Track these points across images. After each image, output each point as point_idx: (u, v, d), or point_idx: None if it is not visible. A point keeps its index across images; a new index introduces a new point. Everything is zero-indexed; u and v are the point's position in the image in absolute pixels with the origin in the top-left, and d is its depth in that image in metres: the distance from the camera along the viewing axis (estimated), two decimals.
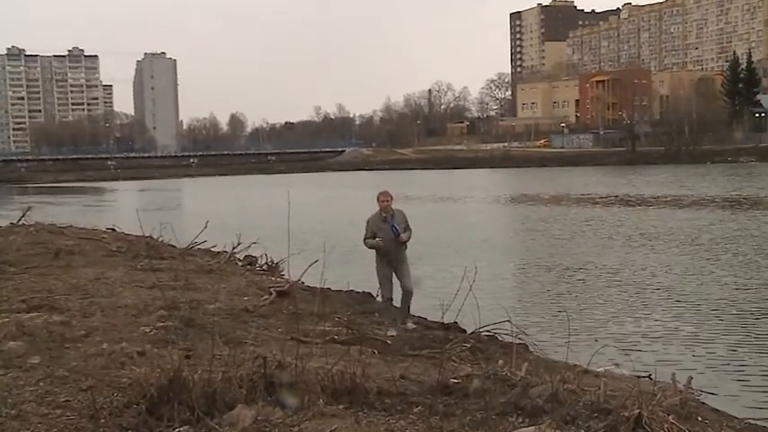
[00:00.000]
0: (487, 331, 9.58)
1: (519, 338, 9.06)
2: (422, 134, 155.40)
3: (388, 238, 9.64)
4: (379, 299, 10.38)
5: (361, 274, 17.19)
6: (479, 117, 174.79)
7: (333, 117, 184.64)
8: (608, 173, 75.99)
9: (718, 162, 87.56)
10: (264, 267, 16.42)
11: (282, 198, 36.47)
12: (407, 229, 9.91)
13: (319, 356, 6.20)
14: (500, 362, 7.78)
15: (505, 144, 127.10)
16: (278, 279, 14.26)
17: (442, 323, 10.36)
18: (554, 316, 12.72)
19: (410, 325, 9.97)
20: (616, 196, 43.67)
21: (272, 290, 11.92)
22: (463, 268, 8.91)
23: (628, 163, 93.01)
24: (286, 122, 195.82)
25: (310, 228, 28.17)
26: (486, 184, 65.65)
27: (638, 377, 7.82)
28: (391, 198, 9.71)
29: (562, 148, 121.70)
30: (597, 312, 13.13)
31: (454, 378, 6.51)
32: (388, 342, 9.10)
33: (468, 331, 9.80)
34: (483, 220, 31.60)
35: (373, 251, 10.01)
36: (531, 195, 47.77)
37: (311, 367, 5.80)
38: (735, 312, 12.78)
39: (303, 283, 13.03)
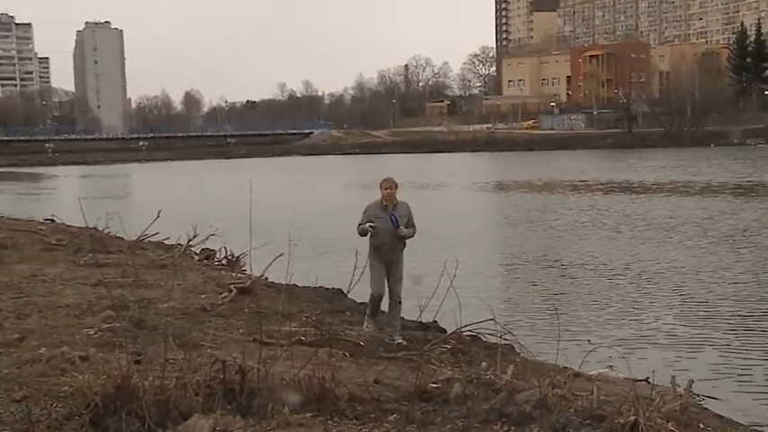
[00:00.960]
0: (470, 331, 9.62)
1: (504, 339, 9.12)
2: (398, 114, 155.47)
3: (385, 229, 9.39)
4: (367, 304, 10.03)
5: (330, 268, 17.20)
6: (461, 96, 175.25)
7: (299, 95, 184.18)
8: (603, 157, 76.65)
9: (722, 145, 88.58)
10: (223, 262, 16.38)
11: (243, 185, 36.31)
12: (411, 225, 9.62)
13: (284, 360, 6.20)
14: (483, 364, 7.84)
15: (490, 125, 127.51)
16: (238, 275, 14.23)
17: (420, 322, 10.39)
18: (543, 314, 12.82)
19: (398, 339, 9.50)
20: (614, 183, 44.04)
21: (231, 287, 11.90)
22: (443, 262, 8.95)
23: (624, 146, 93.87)
24: (247, 101, 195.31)
25: (275, 218, 28.08)
26: (469, 169, 65.87)
27: (635, 381, 7.90)
28: (395, 186, 9.48)
29: (552, 129, 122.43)
30: (591, 310, 13.26)
31: (433, 382, 6.54)
32: (361, 344, 9.15)
33: (449, 331, 9.86)
34: (465, 209, 31.75)
35: (367, 251, 9.78)
36: (519, 182, 48.03)
37: (276, 372, 5.81)
38: (744, 311, 12.91)
39: (267, 278, 13.00)
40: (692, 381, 7.16)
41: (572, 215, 28.21)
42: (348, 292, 12.67)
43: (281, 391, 5.55)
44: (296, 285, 13.07)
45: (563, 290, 15.12)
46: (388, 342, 9.35)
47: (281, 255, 10.16)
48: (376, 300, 9.76)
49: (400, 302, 9.61)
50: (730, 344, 10.98)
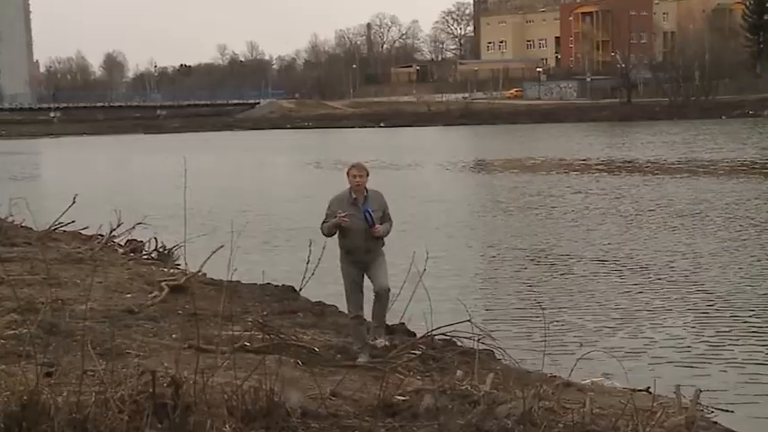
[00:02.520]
0: (443, 334, 9.70)
1: (483, 343, 9.18)
2: (359, 82, 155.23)
3: (358, 229, 8.89)
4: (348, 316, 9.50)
5: (280, 262, 17.20)
6: (432, 60, 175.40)
7: (243, 59, 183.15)
8: (599, 131, 77.07)
9: (736, 117, 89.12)
10: (153, 255, 16.32)
11: (177, 165, 36.13)
12: (387, 219, 9.17)
13: (226, 369, 6.20)
14: (458, 373, 7.90)
15: (466, 95, 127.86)
16: (171, 270, 14.19)
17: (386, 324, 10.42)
18: (528, 315, 12.90)
19: (380, 342, 9.30)
20: (616, 161, 44.16)
21: (163, 284, 11.89)
22: (411, 255, 9.00)
23: (622, 118, 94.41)
24: (181, 66, 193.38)
25: (214, 204, 28.06)
26: (443, 146, 66.00)
27: (634, 391, 8.01)
28: (366, 173, 8.99)
29: (538, 99, 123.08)
30: (584, 310, 13.36)
31: (400, 394, 6.57)
32: (315, 350, 9.20)
33: (418, 334, 9.92)
34: (438, 193, 31.81)
35: (336, 251, 9.36)
36: (501, 161, 48.17)
37: (215, 383, 5.81)
38: (763, 313, 13.02)
39: (205, 274, 12.98)
40: (700, 390, 7.26)
41: (565, 199, 28.36)
42: (300, 289, 12.62)
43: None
44: (239, 282, 13.08)
45: (552, 287, 15.22)
46: (371, 343, 9.17)
47: (221, 246, 10.11)
48: (356, 321, 9.14)
49: (388, 291, 9.09)
50: (746, 350, 11.08)
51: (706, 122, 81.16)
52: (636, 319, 12.66)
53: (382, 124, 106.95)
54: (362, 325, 9.17)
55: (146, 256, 16.29)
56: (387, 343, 9.35)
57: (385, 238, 9.18)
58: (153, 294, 11.43)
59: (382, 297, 9.09)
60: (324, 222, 9.05)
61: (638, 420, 5.39)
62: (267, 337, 8.75)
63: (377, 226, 8.95)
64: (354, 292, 9.10)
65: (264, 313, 10.52)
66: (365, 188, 9.04)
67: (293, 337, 9.51)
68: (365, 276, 9.14)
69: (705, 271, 16.07)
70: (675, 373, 9.92)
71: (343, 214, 8.81)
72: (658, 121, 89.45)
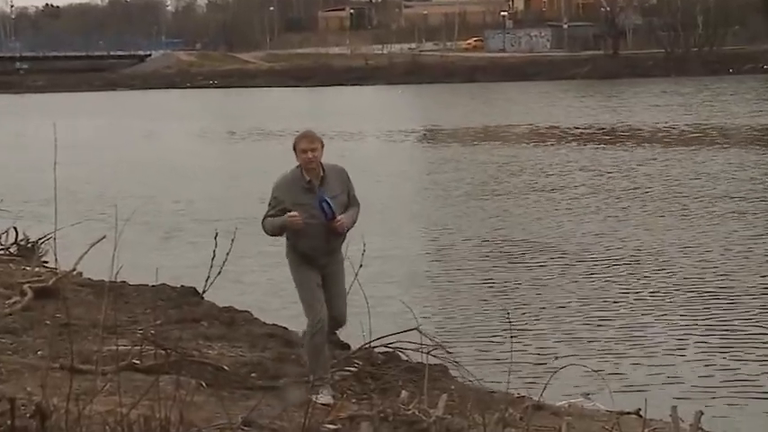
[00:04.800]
0: (384, 346, 9.73)
1: (434, 356, 9.20)
2: (278, 29, 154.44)
3: (316, 224, 8.44)
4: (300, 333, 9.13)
5: (178, 258, 17.15)
6: (371, 1, 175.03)
7: None
8: (580, 90, 76.87)
9: (747, 72, 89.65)
10: (13, 250, 16.11)
11: (45, 135, 35.67)
12: (353, 202, 8.76)
13: (108, 394, 6.17)
14: (404, 394, 7.93)
15: (413, 46, 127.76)
16: (37, 269, 14.01)
17: None
18: (491, 322, 12.94)
19: (323, 397, 8.35)
20: (601, 128, 44.20)
21: (26, 287, 11.73)
22: (344, 247, 8.99)
23: (607, 75, 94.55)
24: (47, 5, 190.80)
25: (94, 185, 27.94)
26: (385, 110, 65.73)
27: (621, 414, 8.13)
28: (321, 145, 8.51)
29: (503, 51, 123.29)
30: (560, 316, 13.42)
31: (330, 422, 6.60)
32: (224, 368, 9.18)
33: (354, 346, 9.94)
34: (380, 170, 31.67)
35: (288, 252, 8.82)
36: (458, 129, 48.08)
37: (94, 412, 5.78)
38: None
39: (81, 274, 12.89)
40: (701, 413, 7.37)
41: (538, 178, 28.31)
42: (204, 291, 12.64)
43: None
44: (126, 283, 13.00)
45: (521, 287, 15.24)
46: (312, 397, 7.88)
47: (103, 238, 10.09)
48: (318, 332, 8.56)
49: (341, 325, 8.89)
50: (758, 365, 11.19)
51: (711, 79, 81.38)
52: (623, 328, 12.72)
53: (308, 83, 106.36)
54: (325, 341, 8.64)
55: (3, 251, 16.08)
56: (331, 397, 8.54)
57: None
58: (12, 300, 11.29)
59: (341, 323, 8.86)
60: (267, 216, 8.57)
61: None
62: (162, 352, 8.70)
63: (339, 218, 8.44)
64: (316, 297, 8.59)
65: (158, 322, 10.51)
66: (321, 165, 8.54)
67: (195, 352, 9.49)
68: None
69: (711, 270, 16.08)
70: (671, 392, 10.07)
71: (294, 214, 8.31)
72: (652, 78, 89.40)
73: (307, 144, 8.43)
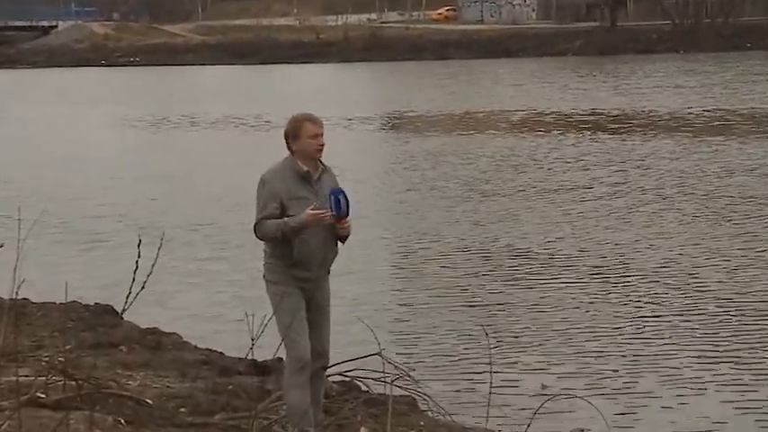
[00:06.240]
0: (341, 374, 9.73)
1: (399, 387, 9.19)
2: None
3: (319, 224, 8.38)
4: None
5: (94, 269, 17.13)
6: None
7: None
8: (574, 69, 76.80)
9: (765, 48, 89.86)
10: None
11: None
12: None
13: None
14: (363, 431, 7.86)
15: (373, 16, 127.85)
16: None
17: (253, 360, 10.48)
18: (465, 344, 13.01)
19: None
20: (603, 114, 44.06)
21: None
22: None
23: (604, 51, 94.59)
24: None
25: None
26: (340, 92, 65.57)
27: None
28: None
29: (480, 23, 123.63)
30: (547, 337, 13.46)
31: None
32: (148, 401, 9.18)
33: None
34: (338, 163, 31.53)
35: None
36: (427, 116, 47.98)
37: None
38: None
39: None
40: None
41: (525, 174, 28.18)
42: (124, 310, 12.60)
43: None
44: (28, 301, 12.98)
45: (502, 303, 15.24)
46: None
47: (0, 246, 10.02)
48: (299, 372, 8.46)
49: (325, 368, 8.78)
50: None
51: (728, 56, 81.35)
52: (624, 353, 12.77)
53: (249, 60, 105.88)
54: (303, 388, 8.43)
55: None
56: None
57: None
58: None
59: (317, 377, 8.65)
60: (263, 218, 8.38)
61: None
62: (72, 383, 8.65)
63: (347, 219, 8.47)
64: (302, 330, 8.41)
65: (68, 347, 10.46)
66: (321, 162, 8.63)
67: (112, 383, 9.45)
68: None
69: (731, 287, 15.97)
70: (682, 428, 10.12)
71: (318, 210, 8.23)
72: (656, 54, 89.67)
73: (316, 128, 8.45)
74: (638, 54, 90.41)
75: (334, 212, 8.27)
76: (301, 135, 8.37)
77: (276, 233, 8.29)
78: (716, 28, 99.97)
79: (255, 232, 8.42)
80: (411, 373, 10.01)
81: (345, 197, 8.29)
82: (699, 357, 12.49)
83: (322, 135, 8.44)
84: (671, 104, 47.39)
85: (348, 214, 8.35)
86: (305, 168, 8.35)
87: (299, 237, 8.26)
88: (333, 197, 8.26)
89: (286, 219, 8.23)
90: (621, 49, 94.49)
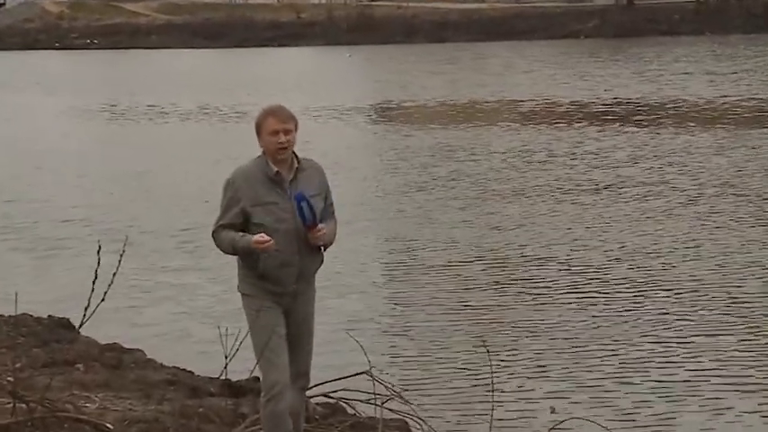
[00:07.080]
0: (325, 395, 9.69)
1: (390, 409, 9.13)
2: None
3: (286, 230, 8.23)
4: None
5: (47, 278, 17.26)
6: None
7: None
8: (591, 53, 76.47)
9: None
10: None
11: None
12: (327, 216, 8.60)
13: None
14: None
15: None
16: None
17: (227, 380, 10.64)
18: (464, 361, 13.02)
19: None
20: (635, 104, 44.04)
21: None
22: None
23: (621, 33, 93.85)
24: None
25: None
26: (326, 77, 65.85)
27: None
28: (295, 127, 8.35)
29: (481, 1, 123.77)
30: (555, 353, 13.49)
31: None
32: (108, 426, 9.21)
33: None
34: (327, 159, 31.49)
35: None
36: (423, 106, 47.98)
37: None
38: None
39: None
40: None
41: (534, 171, 28.23)
42: (82, 324, 12.37)
43: None
44: None
45: (504, 315, 15.26)
46: None
47: None
48: (275, 398, 8.31)
49: (305, 389, 8.73)
50: None
51: (760, 38, 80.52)
52: (639, 372, 12.82)
53: (221, 42, 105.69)
54: (282, 413, 8.33)
55: None
56: None
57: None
58: None
59: (303, 384, 8.64)
60: (220, 225, 8.31)
61: None
62: (23, 406, 8.72)
63: (320, 225, 8.25)
64: (279, 350, 8.27)
65: (18, 366, 10.35)
66: (295, 155, 8.41)
67: (68, 406, 9.46)
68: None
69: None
70: None
71: (264, 239, 7.99)
72: (680, 35, 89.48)
73: (277, 123, 8.20)
74: (660, 36, 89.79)
75: (300, 221, 8.10)
76: (262, 131, 8.23)
77: (228, 249, 8.23)
78: (746, 6, 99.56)
79: (214, 240, 8.32)
80: (403, 394, 9.95)
81: (309, 203, 8.06)
82: (733, 385, 12.44)
83: (286, 132, 8.21)
84: (703, 92, 46.98)
85: (316, 222, 8.14)
86: (275, 169, 8.19)
87: (270, 248, 8.07)
88: (297, 205, 8.08)
89: (236, 237, 8.11)
90: (640, 31, 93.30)
